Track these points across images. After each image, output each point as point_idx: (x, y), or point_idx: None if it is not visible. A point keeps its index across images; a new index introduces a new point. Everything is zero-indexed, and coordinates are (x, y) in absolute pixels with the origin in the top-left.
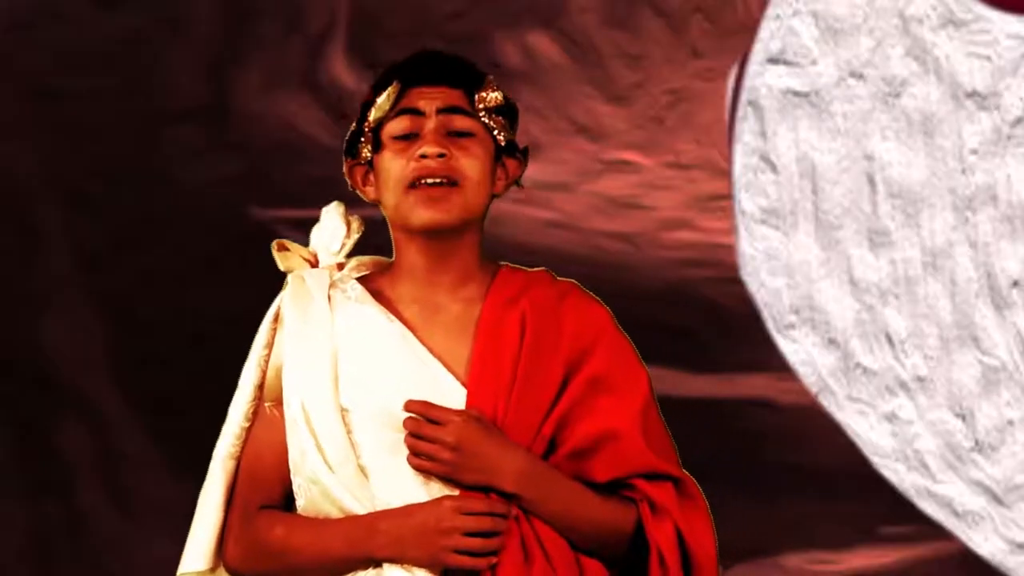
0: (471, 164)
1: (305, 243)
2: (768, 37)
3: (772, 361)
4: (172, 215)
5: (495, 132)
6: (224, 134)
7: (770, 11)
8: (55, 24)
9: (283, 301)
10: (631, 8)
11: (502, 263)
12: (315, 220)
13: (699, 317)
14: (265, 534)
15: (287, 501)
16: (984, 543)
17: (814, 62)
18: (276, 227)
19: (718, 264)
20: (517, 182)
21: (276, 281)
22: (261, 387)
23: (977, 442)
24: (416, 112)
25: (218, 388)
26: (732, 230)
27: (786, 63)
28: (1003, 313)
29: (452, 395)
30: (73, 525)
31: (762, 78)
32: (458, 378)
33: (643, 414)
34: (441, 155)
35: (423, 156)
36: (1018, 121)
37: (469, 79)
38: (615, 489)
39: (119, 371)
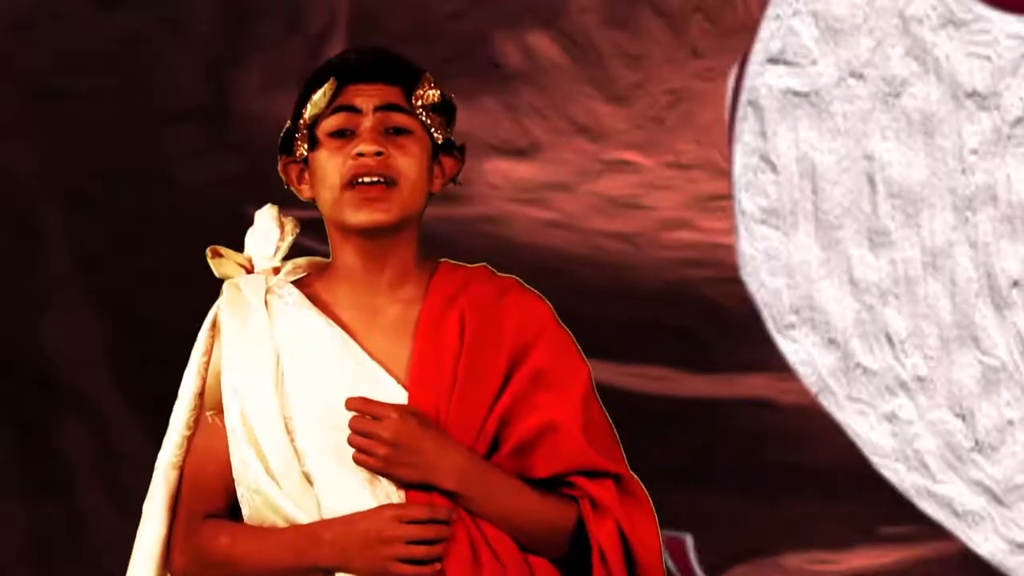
0: (408, 162)
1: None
2: (768, 37)
3: (772, 361)
4: (172, 215)
5: (432, 130)
6: (224, 134)
7: (770, 11)
8: (55, 24)
9: (219, 308)
10: (631, 8)
11: (440, 260)
12: (315, 220)
13: (699, 317)
14: (209, 543)
15: (232, 509)
16: (984, 543)
17: (814, 62)
18: None
19: (718, 264)
20: (454, 180)
21: None
22: (201, 395)
23: (977, 442)
24: (353, 109)
25: None
26: (732, 230)
27: (786, 63)
28: (1003, 313)
29: (393, 398)
30: (73, 525)
31: (762, 78)
32: (399, 380)
33: (583, 409)
34: (378, 153)
35: (360, 154)
36: (1018, 121)
37: (406, 76)
38: (557, 487)
39: (119, 371)
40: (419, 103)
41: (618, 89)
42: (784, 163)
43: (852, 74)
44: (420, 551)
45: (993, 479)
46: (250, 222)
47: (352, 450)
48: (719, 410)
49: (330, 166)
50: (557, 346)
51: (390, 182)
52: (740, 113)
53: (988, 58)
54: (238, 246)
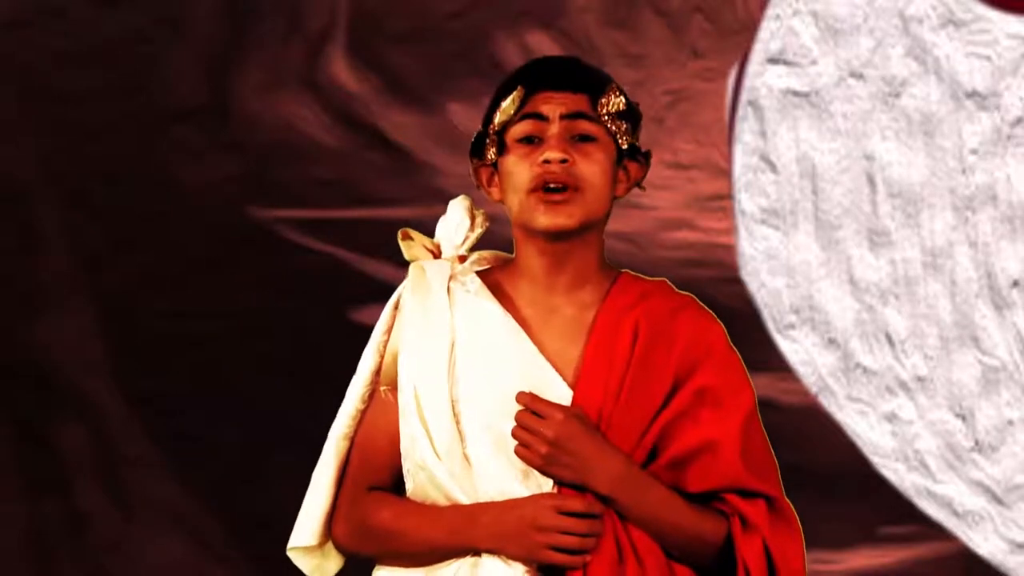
0: (593, 169)
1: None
2: (768, 37)
3: (772, 361)
4: (172, 215)
5: (617, 136)
6: (224, 134)
7: (770, 11)
8: (55, 24)
9: (404, 289)
10: (631, 8)
11: (623, 270)
12: (316, 220)
13: None
14: (373, 515)
15: (396, 484)
16: (984, 543)
17: (814, 62)
18: (276, 227)
19: (718, 264)
20: (639, 184)
21: (275, 281)
22: (378, 372)
23: (977, 442)
24: (540, 117)
25: (217, 388)
26: (732, 230)
27: (786, 63)
28: (1003, 313)
29: (558, 396)
30: (73, 525)
31: (762, 78)
32: (566, 380)
33: (744, 430)
34: (564, 160)
35: (546, 161)
36: (1018, 121)
37: (593, 84)
38: (710, 501)
39: (119, 371)
40: (604, 111)
41: None
42: (784, 163)
43: (852, 74)
44: (572, 542)
45: (993, 479)
46: (250, 222)
47: (512, 440)
48: None
49: (518, 171)
50: (725, 366)
51: (575, 188)
52: (740, 113)
53: (988, 58)
54: (238, 246)
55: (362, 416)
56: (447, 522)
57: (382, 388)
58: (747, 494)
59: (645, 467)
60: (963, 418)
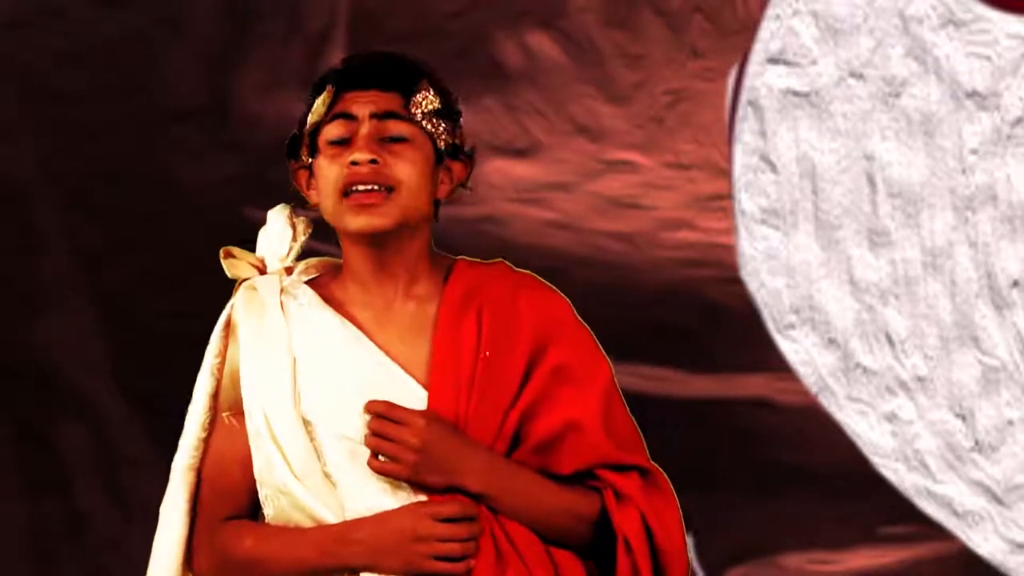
0: (406, 169)
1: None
2: (768, 37)
3: (772, 361)
4: (172, 215)
5: (435, 137)
6: (224, 134)
7: (770, 11)
8: (55, 24)
9: (235, 310)
10: (631, 8)
11: (457, 257)
12: (315, 220)
13: (699, 317)
14: (234, 545)
15: (253, 511)
16: (984, 543)
17: (814, 62)
18: None
19: (718, 264)
20: (463, 184)
21: None
22: (216, 396)
23: (977, 442)
24: (349, 117)
25: None
26: (732, 230)
27: (786, 63)
28: (1003, 313)
29: (413, 397)
30: (73, 525)
31: (762, 78)
32: (418, 380)
33: (604, 404)
34: (373, 161)
35: (354, 163)
36: (1018, 121)
37: (404, 82)
38: (581, 480)
39: (119, 371)
40: (418, 110)
41: (618, 89)
42: (784, 163)
43: (852, 74)
44: (454, 548)
45: (993, 479)
46: (250, 222)
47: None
48: (719, 410)
49: (329, 173)
50: (577, 342)
51: (388, 189)
52: (740, 113)
53: (988, 58)
54: (238, 246)
55: (206, 445)
56: (316, 543)
57: (224, 414)
58: (618, 468)
59: (509, 455)
60: (963, 418)
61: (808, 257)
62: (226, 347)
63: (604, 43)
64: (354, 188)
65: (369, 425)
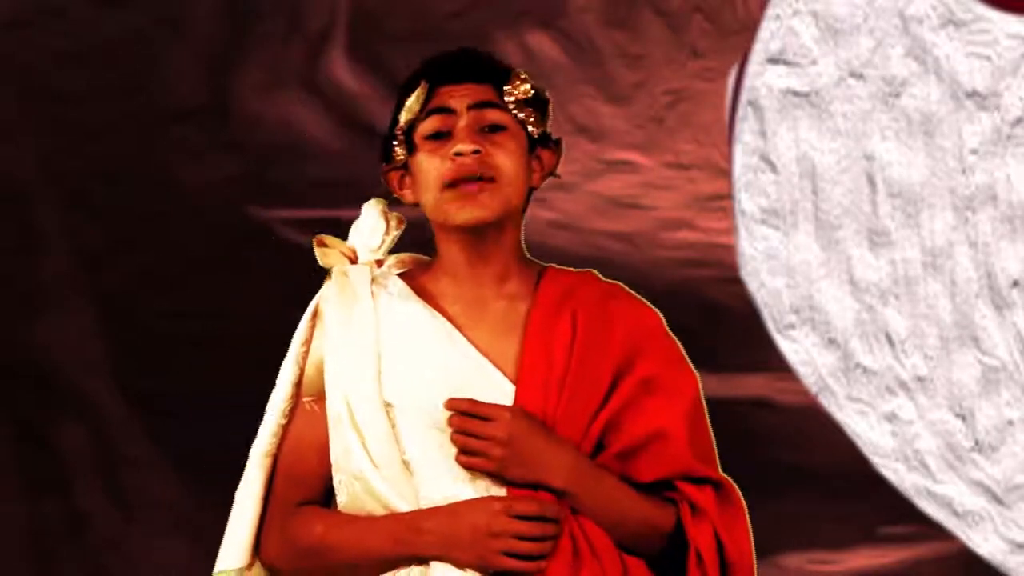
0: (506, 158)
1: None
2: (768, 37)
3: (772, 361)
4: (172, 215)
5: (527, 124)
6: (224, 134)
7: (770, 11)
8: (55, 24)
9: (324, 297)
10: (631, 8)
11: (547, 264)
12: (316, 220)
13: (699, 317)
14: (305, 531)
15: (326, 498)
16: (984, 543)
17: (814, 62)
18: (276, 227)
19: (718, 264)
20: (553, 172)
21: (275, 281)
22: (299, 384)
23: (977, 442)
24: (447, 111)
25: (218, 388)
26: (732, 230)
27: (786, 63)
28: (1003, 313)
29: (500, 391)
30: (73, 525)
31: (762, 78)
32: (506, 374)
33: (690, 417)
34: (476, 151)
35: (458, 154)
36: (1018, 121)
37: (496, 74)
38: (657, 489)
39: (119, 371)
40: (511, 98)
41: (618, 89)
42: (784, 163)
43: (852, 74)
44: (528, 547)
45: (993, 479)
46: (250, 222)
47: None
48: (719, 410)
49: (430, 168)
50: (666, 354)
51: (489, 179)
52: (740, 113)
53: (988, 58)
54: (238, 246)
55: (285, 431)
56: (387, 531)
57: (306, 400)
58: (695, 480)
59: (592, 458)
60: (963, 418)
61: (808, 257)
62: (312, 335)
63: (604, 43)
64: (458, 180)
65: (452, 421)
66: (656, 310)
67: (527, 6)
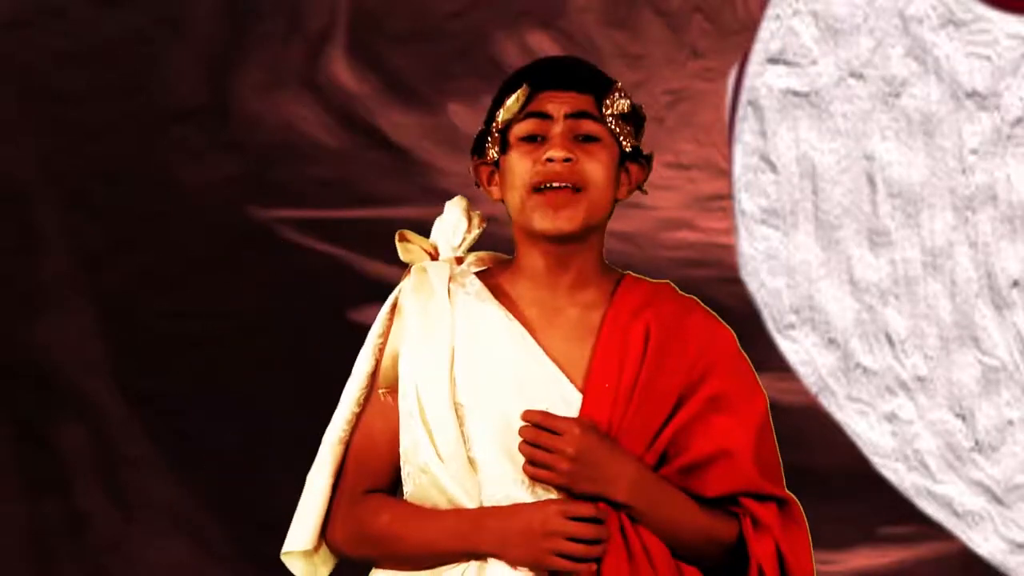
0: (596, 169)
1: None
2: (768, 37)
3: (772, 361)
4: (172, 215)
5: (621, 138)
6: (224, 134)
7: (770, 11)
8: (55, 24)
9: (403, 291)
10: (631, 8)
11: (625, 271)
12: (316, 220)
13: None
14: (371, 519)
15: (393, 487)
16: (984, 543)
17: (814, 62)
18: (276, 227)
19: (718, 264)
20: (640, 187)
21: (275, 281)
22: (374, 375)
23: (977, 442)
24: (544, 116)
25: (217, 388)
26: (732, 230)
27: (786, 63)
28: (1003, 313)
29: (566, 398)
30: (73, 525)
31: (762, 78)
32: (574, 382)
33: (757, 436)
34: (567, 159)
35: (549, 160)
36: (1018, 121)
37: (598, 85)
38: (721, 503)
39: (119, 371)
40: (609, 112)
41: None
42: (784, 163)
43: (852, 74)
44: (579, 548)
45: (993, 479)
46: (250, 222)
47: (518, 440)
48: None
49: (520, 169)
50: (737, 372)
51: (577, 188)
52: (740, 113)
53: (988, 58)
54: (238, 246)
55: (358, 420)
56: (449, 525)
57: (380, 391)
58: (759, 497)
59: (656, 471)
60: (963, 418)
61: (808, 257)
62: (390, 328)
63: (604, 43)
64: (547, 186)
65: (524, 433)
66: (729, 328)
67: (527, 6)
